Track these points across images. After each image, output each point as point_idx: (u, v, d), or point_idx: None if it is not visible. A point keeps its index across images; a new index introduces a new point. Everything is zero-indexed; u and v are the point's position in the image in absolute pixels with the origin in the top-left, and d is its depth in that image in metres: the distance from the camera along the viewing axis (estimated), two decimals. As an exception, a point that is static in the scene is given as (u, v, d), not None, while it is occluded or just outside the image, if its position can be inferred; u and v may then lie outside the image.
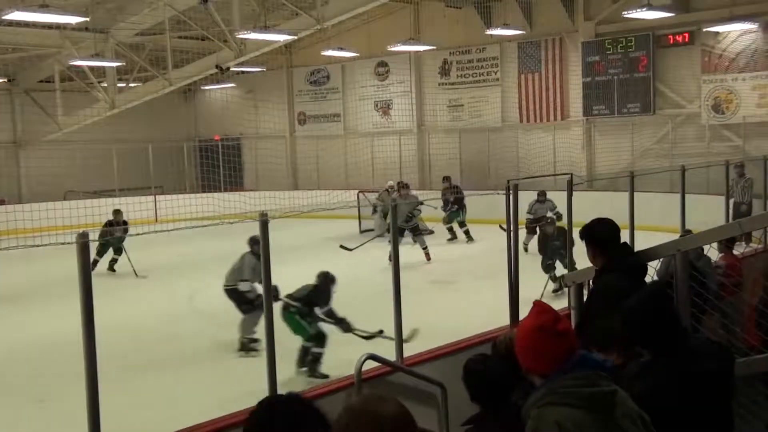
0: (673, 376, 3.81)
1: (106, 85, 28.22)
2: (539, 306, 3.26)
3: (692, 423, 3.77)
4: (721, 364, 4.00)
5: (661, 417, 3.58)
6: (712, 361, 3.96)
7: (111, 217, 19.55)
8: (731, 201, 16.96)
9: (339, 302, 14.71)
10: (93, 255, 18.32)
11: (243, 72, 32.00)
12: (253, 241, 11.65)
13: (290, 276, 13.77)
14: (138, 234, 8.28)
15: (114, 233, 19.01)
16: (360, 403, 2.61)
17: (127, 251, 18.73)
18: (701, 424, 3.81)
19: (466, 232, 21.54)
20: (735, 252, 10.32)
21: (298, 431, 2.85)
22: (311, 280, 11.04)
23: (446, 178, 23.36)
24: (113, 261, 19.43)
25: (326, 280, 11.00)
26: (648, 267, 5.86)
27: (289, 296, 10.71)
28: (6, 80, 29.94)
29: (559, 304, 9.06)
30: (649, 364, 3.96)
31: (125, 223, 19.64)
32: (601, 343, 4.31)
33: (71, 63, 26.91)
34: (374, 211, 23.06)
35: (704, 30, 23.28)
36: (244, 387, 4.88)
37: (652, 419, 3.39)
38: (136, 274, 18.77)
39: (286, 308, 10.61)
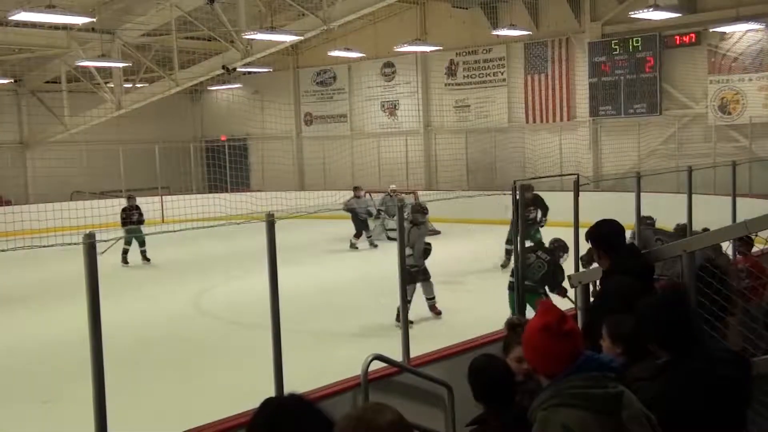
0: (692, 378, 3.78)
1: (112, 85, 28.31)
2: (545, 306, 3.25)
3: (708, 425, 3.74)
4: (740, 371, 3.97)
5: (677, 418, 3.57)
6: (731, 367, 3.93)
7: (125, 204, 20.39)
8: None
9: (344, 301, 14.78)
10: (123, 245, 19.43)
11: (249, 72, 32.09)
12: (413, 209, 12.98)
13: (296, 276, 13.81)
14: (145, 234, 8.27)
15: (132, 218, 19.79)
16: (358, 412, 2.65)
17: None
18: (716, 427, 3.78)
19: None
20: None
21: (300, 431, 2.86)
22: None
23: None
24: (143, 251, 20.03)
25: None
26: (655, 268, 5.84)
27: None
28: (13, 81, 29.99)
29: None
30: (668, 365, 3.94)
31: (138, 208, 20.26)
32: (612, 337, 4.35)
33: (78, 64, 26.97)
34: (378, 215, 23.16)
35: (710, 30, 23.25)
36: (250, 387, 4.87)
37: (667, 419, 3.38)
38: (147, 259, 19.91)
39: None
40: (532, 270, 11.07)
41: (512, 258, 11.29)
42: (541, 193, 18.29)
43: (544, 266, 11.10)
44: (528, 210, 17.78)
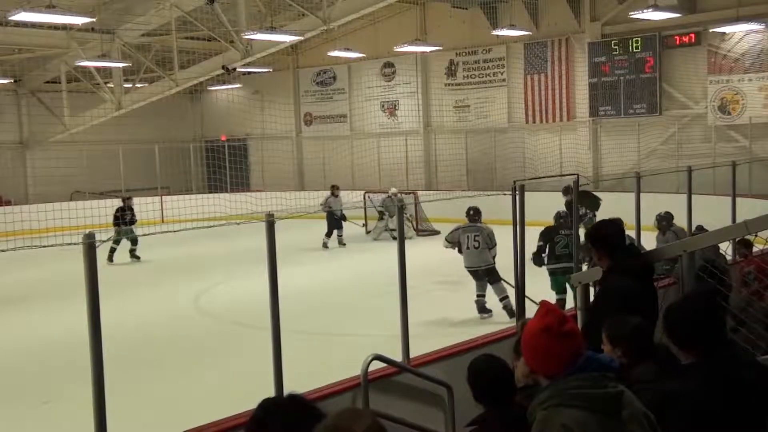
0: (719, 381, 3.71)
1: (112, 85, 28.31)
2: (545, 306, 3.25)
3: (728, 429, 3.69)
4: (762, 376, 3.91)
5: (698, 419, 3.54)
6: (758, 373, 3.88)
7: (121, 204, 20.87)
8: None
9: (344, 301, 14.78)
10: (110, 244, 19.80)
11: (249, 73, 32.08)
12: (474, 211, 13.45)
13: (296, 276, 13.81)
14: (145, 234, 8.27)
15: (126, 218, 20.18)
16: (333, 419, 2.62)
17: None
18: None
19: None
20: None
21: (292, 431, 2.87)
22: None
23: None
24: (133, 250, 20.58)
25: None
26: (655, 268, 5.84)
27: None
28: (12, 81, 30.00)
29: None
30: (694, 367, 3.87)
31: (131, 209, 20.76)
32: (611, 339, 4.32)
33: (78, 64, 26.98)
34: (381, 217, 23.34)
35: (710, 30, 23.26)
36: (250, 387, 4.88)
37: (689, 421, 3.36)
38: (137, 257, 20.48)
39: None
40: (569, 247, 11.69)
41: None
42: (541, 194, 18.27)
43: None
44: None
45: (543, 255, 12.16)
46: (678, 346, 3.95)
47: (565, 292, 11.76)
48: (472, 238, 12.99)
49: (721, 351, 3.82)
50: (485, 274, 12.94)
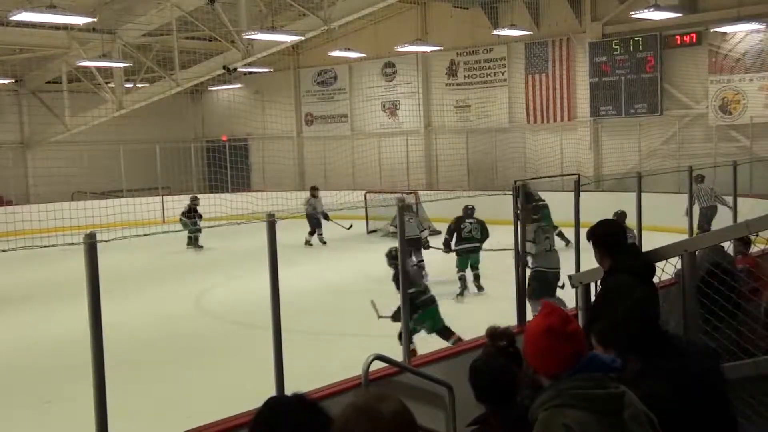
0: (665, 380, 3.70)
1: (113, 85, 28.30)
2: (549, 307, 3.24)
3: (693, 426, 3.69)
4: (711, 363, 3.92)
5: (662, 422, 3.54)
6: (703, 360, 3.89)
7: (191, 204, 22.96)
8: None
9: (345, 301, 14.77)
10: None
11: (250, 73, 32.07)
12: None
13: (296, 276, 13.81)
14: (145, 235, 8.26)
15: (193, 217, 22.04)
16: (361, 400, 2.60)
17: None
18: (702, 427, 3.74)
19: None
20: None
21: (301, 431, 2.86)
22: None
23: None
24: (195, 238, 22.46)
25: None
26: (656, 268, 5.84)
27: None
28: (13, 81, 29.96)
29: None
30: (641, 371, 3.87)
31: (196, 209, 22.83)
32: (604, 341, 4.28)
33: (78, 64, 26.98)
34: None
35: (711, 30, 23.24)
36: (251, 387, 4.88)
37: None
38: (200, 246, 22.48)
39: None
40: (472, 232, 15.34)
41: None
42: (542, 193, 18.32)
43: (478, 225, 15.41)
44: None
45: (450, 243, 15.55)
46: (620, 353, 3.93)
47: (466, 268, 15.17)
48: (408, 218, 16.04)
49: (662, 350, 3.82)
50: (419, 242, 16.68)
